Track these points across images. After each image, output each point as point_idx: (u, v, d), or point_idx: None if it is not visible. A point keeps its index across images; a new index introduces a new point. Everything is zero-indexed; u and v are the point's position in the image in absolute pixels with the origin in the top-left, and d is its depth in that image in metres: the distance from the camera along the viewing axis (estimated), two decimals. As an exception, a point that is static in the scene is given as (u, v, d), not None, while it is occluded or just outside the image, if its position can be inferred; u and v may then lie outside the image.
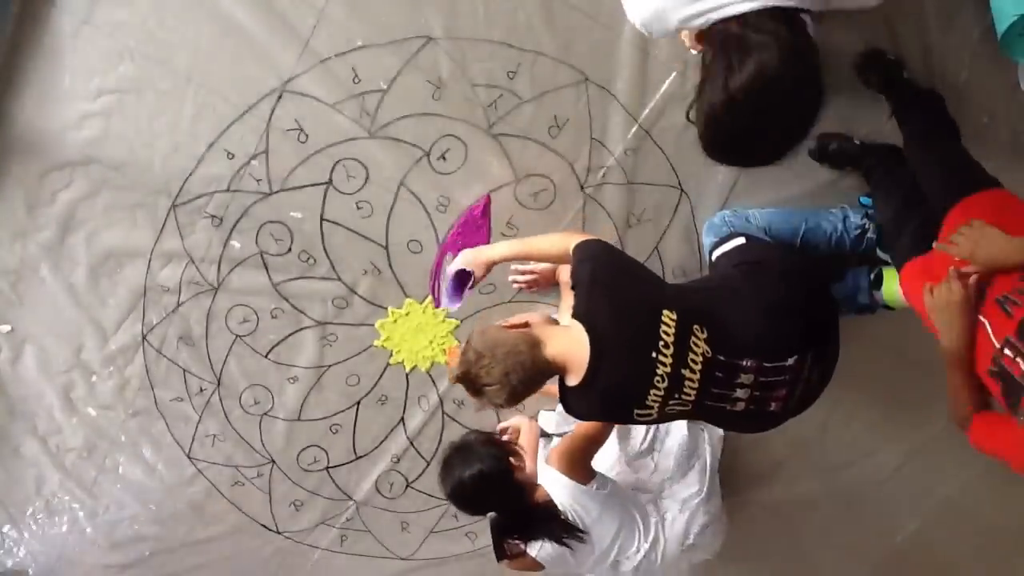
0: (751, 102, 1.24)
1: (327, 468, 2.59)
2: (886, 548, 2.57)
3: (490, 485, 1.92)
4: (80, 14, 2.04)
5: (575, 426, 2.06)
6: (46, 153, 2.19)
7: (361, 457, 2.58)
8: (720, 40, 1.29)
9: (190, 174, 2.20)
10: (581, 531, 1.97)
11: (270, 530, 2.70)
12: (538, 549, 1.99)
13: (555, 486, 1.99)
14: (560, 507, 1.97)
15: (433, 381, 2.47)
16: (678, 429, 2.24)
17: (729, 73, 1.24)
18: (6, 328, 2.44)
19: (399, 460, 2.57)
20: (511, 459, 1.97)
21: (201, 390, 2.49)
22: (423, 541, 2.69)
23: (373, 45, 2.06)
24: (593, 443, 2.01)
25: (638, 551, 2.05)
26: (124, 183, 2.22)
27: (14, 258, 2.33)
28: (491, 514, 2.04)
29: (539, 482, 2.04)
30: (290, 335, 2.41)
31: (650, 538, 2.06)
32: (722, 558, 2.31)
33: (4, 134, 2.17)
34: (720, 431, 2.30)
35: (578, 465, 1.99)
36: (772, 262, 1.80)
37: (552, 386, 1.71)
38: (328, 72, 2.08)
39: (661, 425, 2.27)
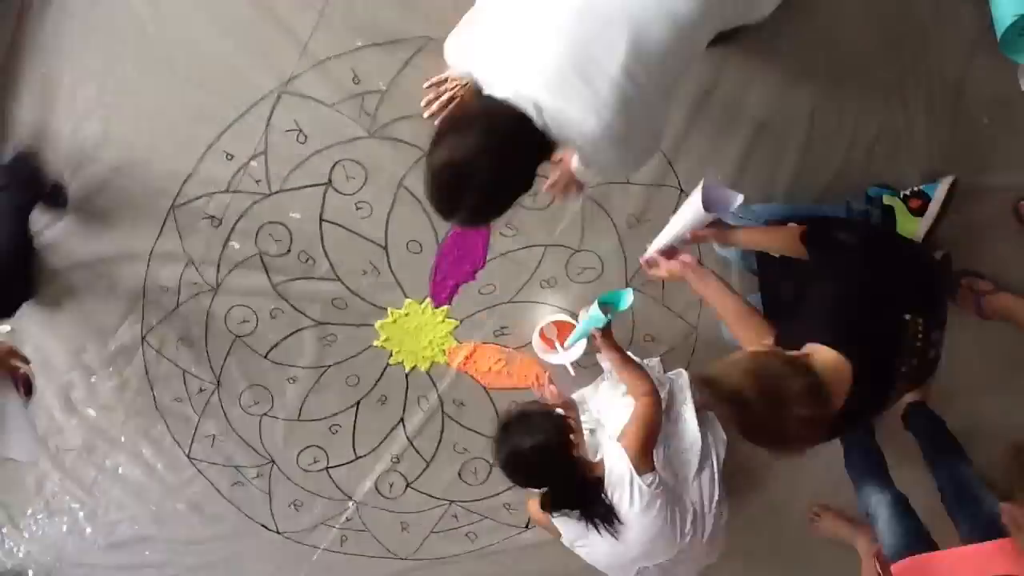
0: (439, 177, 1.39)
1: (327, 468, 2.59)
2: (886, 548, 2.57)
3: (549, 458, 1.88)
4: (80, 14, 2.04)
5: (634, 410, 2.01)
6: (46, 153, 2.19)
7: (361, 457, 2.58)
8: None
9: (189, 175, 2.20)
10: (618, 519, 1.91)
11: (270, 530, 2.70)
12: (562, 521, 1.96)
13: (616, 460, 1.92)
14: (608, 484, 1.91)
15: (433, 381, 2.47)
16: (691, 431, 2.23)
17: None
18: (6, 328, 2.43)
19: (399, 460, 2.57)
20: (571, 435, 1.92)
21: (201, 390, 2.49)
22: (423, 541, 2.69)
23: (373, 45, 2.06)
24: (656, 427, 1.99)
25: (666, 561, 2.02)
26: (124, 183, 2.22)
27: (14, 258, 2.33)
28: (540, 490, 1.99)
29: (599, 456, 1.98)
30: (290, 335, 2.41)
31: (676, 549, 2.01)
32: (722, 559, 2.31)
33: (4, 134, 2.17)
34: (724, 435, 2.30)
35: (643, 449, 1.93)
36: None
37: None
38: (327, 72, 2.08)
39: (668, 426, 2.26)
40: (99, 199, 2.24)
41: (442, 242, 2.28)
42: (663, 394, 2.24)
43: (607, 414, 2.26)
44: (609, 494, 1.90)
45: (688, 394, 2.28)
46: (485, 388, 2.47)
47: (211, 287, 2.34)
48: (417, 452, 2.56)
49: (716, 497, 2.16)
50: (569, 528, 1.97)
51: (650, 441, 1.96)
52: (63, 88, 2.12)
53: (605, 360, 2.28)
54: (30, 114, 2.16)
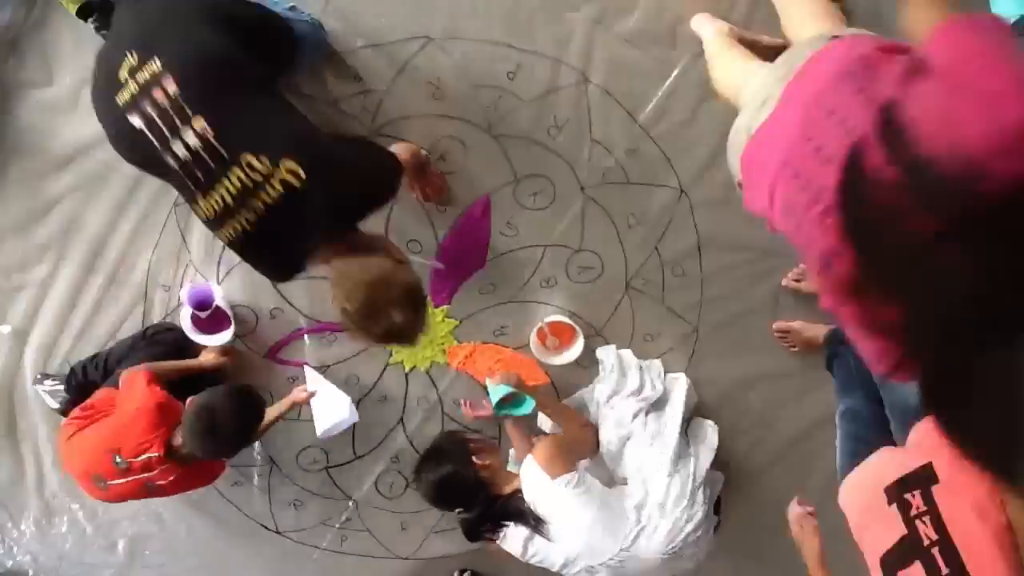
0: None
1: (327, 468, 2.59)
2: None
3: (456, 485, 2.10)
4: (80, 14, 2.05)
5: (564, 426, 2.17)
6: (46, 153, 2.20)
7: (361, 457, 2.57)
8: None
9: (190, 174, 2.20)
10: (542, 520, 2.04)
11: (270, 530, 2.70)
12: (504, 540, 2.11)
13: (527, 474, 2.07)
14: (527, 497, 2.06)
15: (433, 381, 2.47)
16: (671, 433, 2.23)
17: None
18: (6, 328, 2.44)
19: (399, 460, 2.57)
20: (474, 459, 2.11)
21: (201, 390, 2.49)
22: (423, 541, 2.69)
23: (373, 45, 2.06)
24: (575, 444, 2.13)
25: (613, 558, 2.07)
26: (124, 183, 2.22)
27: (15, 258, 2.34)
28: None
29: (519, 471, 2.12)
30: (290, 335, 2.41)
31: (627, 544, 2.07)
32: (720, 559, 2.31)
33: (4, 134, 2.17)
34: (715, 443, 2.31)
35: (555, 459, 2.05)
36: None
37: None
38: (328, 72, 2.08)
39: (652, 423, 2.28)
40: (99, 199, 2.25)
41: (442, 242, 2.28)
42: (655, 393, 2.30)
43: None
44: (531, 503, 2.06)
45: (680, 397, 2.28)
46: (485, 388, 2.47)
47: (211, 286, 2.34)
48: (417, 452, 2.55)
49: (688, 500, 2.14)
50: (512, 544, 2.11)
51: (566, 449, 2.10)
52: (65, 87, 2.13)
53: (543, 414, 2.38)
54: (30, 114, 2.16)
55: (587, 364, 2.39)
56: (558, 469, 2.04)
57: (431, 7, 2.02)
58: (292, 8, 1.89)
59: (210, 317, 2.30)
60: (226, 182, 1.46)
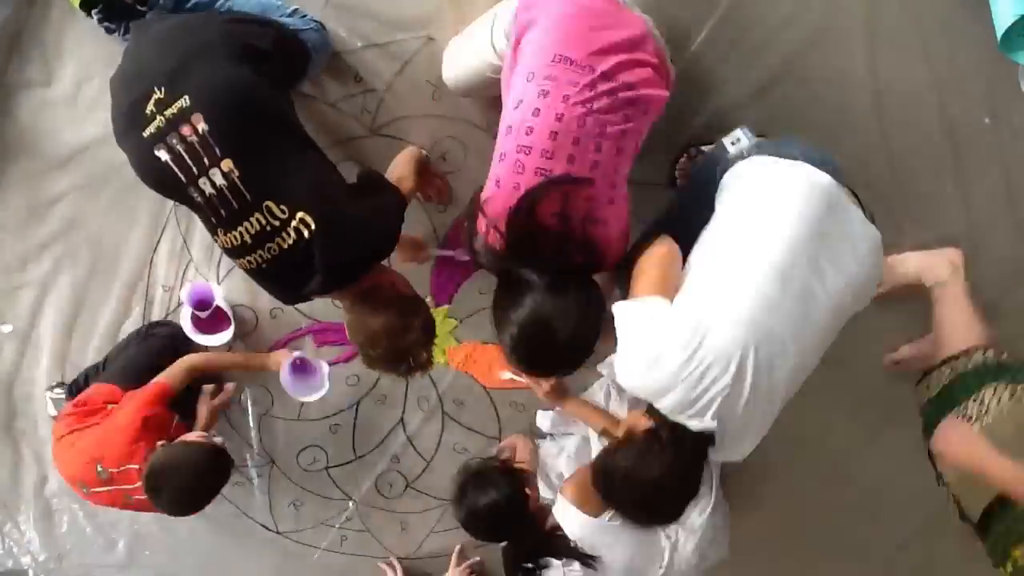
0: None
1: (327, 468, 2.59)
2: (890, 548, 2.56)
3: (505, 515, 1.89)
4: (80, 14, 2.04)
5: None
6: (46, 153, 2.20)
7: (361, 457, 2.57)
8: None
9: (190, 174, 2.20)
10: (591, 556, 1.88)
11: (270, 530, 2.70)
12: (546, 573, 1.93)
13: (567, 518, 1.91)
14: (571, 534, 1.89)
15: (433, 381, 2.47)
16: None
17: None
18: (7, 328, 2.44)
19: (399, 460, 2.57)
20: (526, 489, 1.92)
21: (201, 390, 2.49)
22: (423, 541, 2.69)
23: (373, 45, 2.06)
24: None
25: None
26: (124, 183, 2.22)
27: (15, 258, 2.34)
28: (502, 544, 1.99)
29: (552, 511, 1.96)
30: (290, 335, 2.41)
31: (664, 563, 2.01)
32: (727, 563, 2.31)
33: (4, 134, 2.18)
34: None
35: (591, 496, 1.87)
36: None
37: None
38: (328, 72, 2.08)
39: None
40: (99, 198, 2.25)
41: (442, 242, 2.28)
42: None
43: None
44: (576, 539, 1.88)
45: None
46: (485, 388, 2.47)
47: (211, 286, 2.34)
48: (417, 452, 2.55)
49: (711, 506, 2.13)
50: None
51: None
52: (65, 86, 2.13)
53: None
54: (30, 114, 2.16)
55: (587, 364, 2.38)
56: (596, 507, 1.87)
57: (431, 7, 2.02)
58: (294, 12, 1.90)
59: (210, 317, 2.30)
60: (247, 223, 1.54)
